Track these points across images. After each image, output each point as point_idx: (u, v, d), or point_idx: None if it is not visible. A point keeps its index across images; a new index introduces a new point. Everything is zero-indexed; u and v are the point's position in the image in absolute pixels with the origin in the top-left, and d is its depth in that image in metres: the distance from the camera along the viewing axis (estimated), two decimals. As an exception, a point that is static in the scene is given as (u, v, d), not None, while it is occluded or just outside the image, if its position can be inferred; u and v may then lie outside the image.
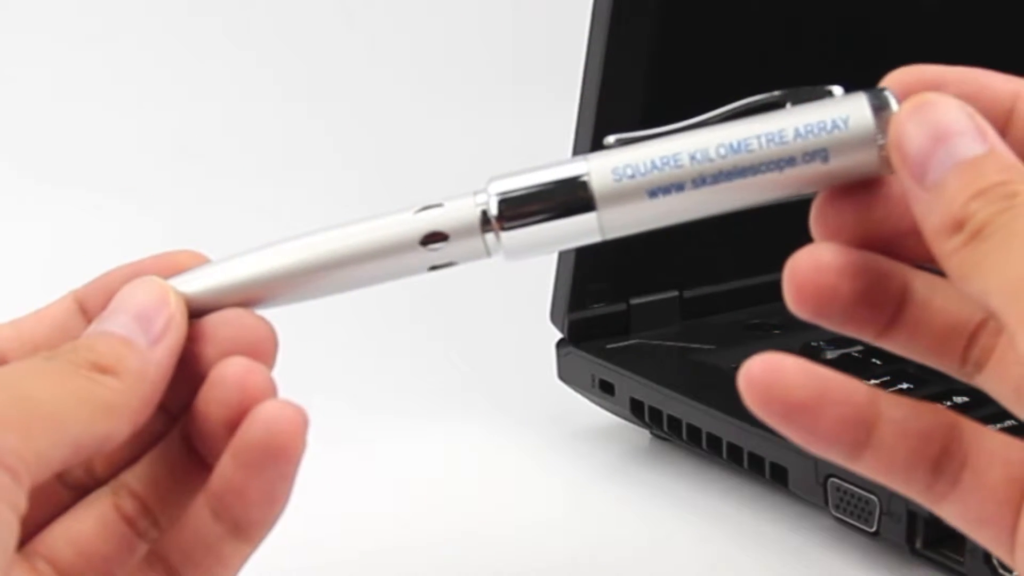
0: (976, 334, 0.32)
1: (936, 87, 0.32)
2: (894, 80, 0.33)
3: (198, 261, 0.36)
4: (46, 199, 0.92)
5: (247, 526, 0.34)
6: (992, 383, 0.32)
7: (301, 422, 0.33)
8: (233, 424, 0.33)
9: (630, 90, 0.58)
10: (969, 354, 0.32)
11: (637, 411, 0.58)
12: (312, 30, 1.09)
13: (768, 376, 0.31)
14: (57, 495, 0.35)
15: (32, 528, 0.34)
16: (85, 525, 0.34)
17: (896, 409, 0.32)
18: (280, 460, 0.33)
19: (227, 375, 0.33)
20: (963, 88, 0.32)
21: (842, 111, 0.32)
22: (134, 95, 1.03)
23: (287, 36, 1.08)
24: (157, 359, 0.33)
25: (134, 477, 0.35)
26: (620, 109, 0.58)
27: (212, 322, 0.35)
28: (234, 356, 0.34)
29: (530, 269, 0.57)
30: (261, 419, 0.33)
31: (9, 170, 0.96)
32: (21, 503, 0.30)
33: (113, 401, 0.32)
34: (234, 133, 1.01)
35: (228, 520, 0.34)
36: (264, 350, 0.35)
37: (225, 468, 0.33)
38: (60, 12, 1.05)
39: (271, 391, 0.34)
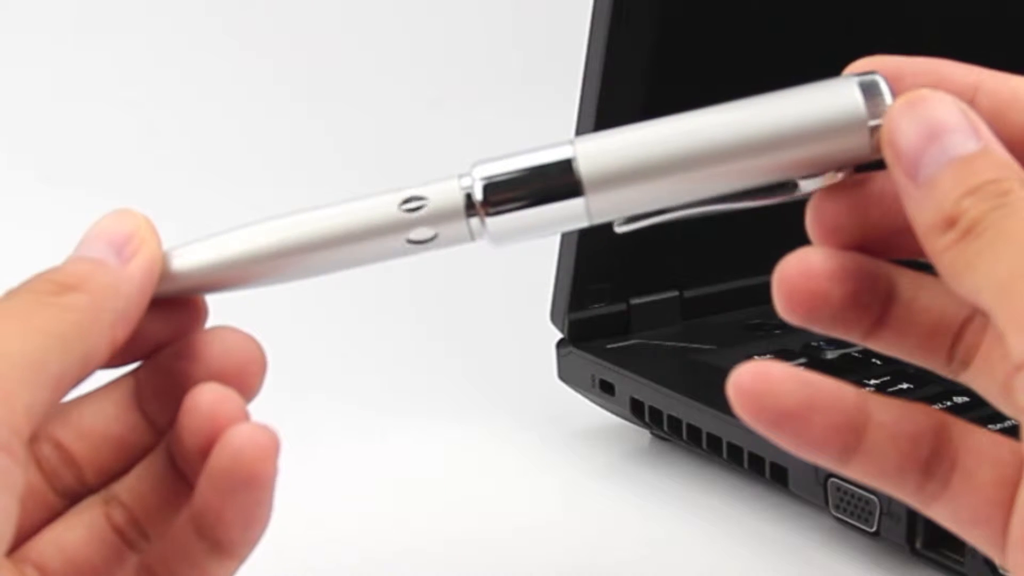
0: (961, 332, 0.32)
1: (895, 77, 0.32)
2: (852, 71, 0.33)
3: None
4: (46, 199, 0.92)
5: (228, 545, 0.33)
6: (978, 380, 0.32)
7: (271, 447, 0.33)
8: (206, 451, 0.33)
9: (630, 90, 0.58)
10: (955, 352, 0.32)
11: (637, 411, 0.58)
12: (313, 30, 1.09)
13: (757, 385, 0.31)
14: (47, 501, 0.34)
15: (22, 534, 0.33)
16: (75, 533, 0.34)
17: (885, 412, 0.32)
18: (251, 486, 0.32)
19: (199, 403, 0.33)
20: (922, 80, 0.32)
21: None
22: (134, 95, 1.03)
23: (288, 36, 1.08)
24: (129, 274, 0.33)
25: (123, 488, 0.35)
26: (620, 109, 0.58)
27: (200, 340, 0.35)
28: (208, 383, 0.33)
29: (530, 269, 0.57)
30: (230, 446, 0.32)
31: (9, 170, 0.96)
32: (18, 482, 0.30)
33: (81, 319, 0.32)
34: (235, 133, 1.01)
35: (210, 538, 0.33)
36: (250, 371, 0.35)
37: (202, 491, 0.33)
38: (60, 12, 1.05)
39: (242, 419, 0.33)
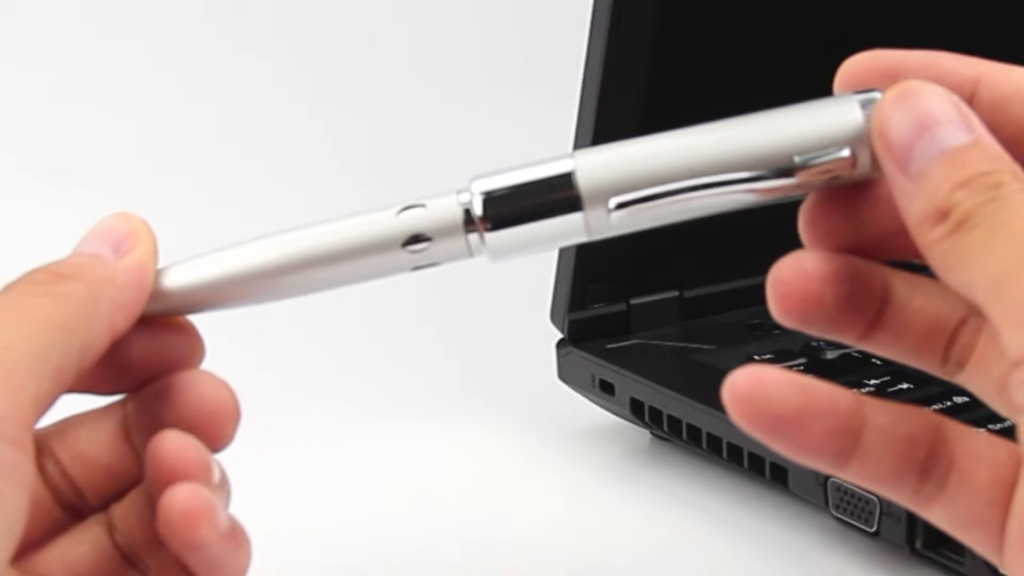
0: (956, 333, 0.32)
1: (895, 72, 0.32)
2: (854, 64, 0.33)
3: None
4: (46, 199, 0.92)
5: None
6: (974, 381, 0.32)
7: (202, 513, 0.32)
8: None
9: (630, 90, 0.58)
10: (950, 353, 0.32)
11: (637, 411, 0.58)
12: (313, 30, 1.09)
13: (753, 390, 0.31)
14: (52, 515, 0.35)
15: (28, 543, 0.34)
16: (81, 549, 0.34)
17: (881, 415, 0.32)
18: (190, 549, 0.32)
19: (157, 452, 0.33)
20: (924, 74, 0.32)
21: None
22: (135, 95, 1.03)
23: (288, 36, 1.08)
24: (125, 266, 0.33)
25: (118, 514, 0.35)
26: (620, 109, 0.58)
27: (176, 383, 0.34)
28: (169, 432, 0.33)
29: (530, 269, 0.57)
30: (163, 511, 0.32)
31: (10, 170, 0.96)
32: (28, 476, 0.30)
33: (79, 308, 0.32)
34: (234, 133, 1.01)
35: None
36: (220, 421, 0.34)
37: None
38: (60, 12, 1.05)
39: (201, 468, 0.33)
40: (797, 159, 0.32)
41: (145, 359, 0.34)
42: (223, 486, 0.34)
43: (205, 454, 0.33)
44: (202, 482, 0.33)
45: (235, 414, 0.35)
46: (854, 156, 0.32)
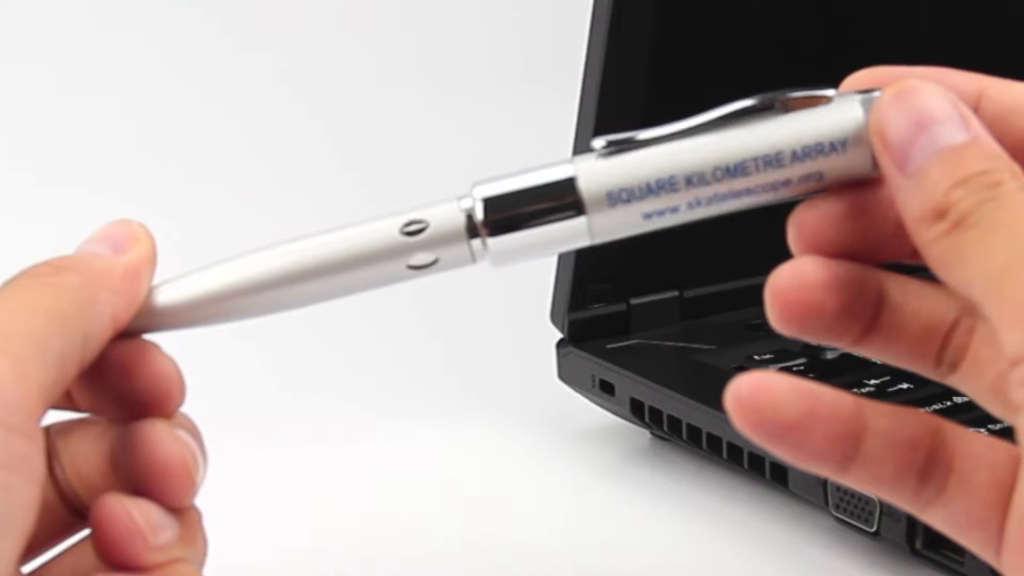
0: (950, 335, 0.32)
1: None
2: (855, 82, 0.33)
3: None
4: (46, 199, 0.92)
5: None
6: (967, 382, 0.32)
7: None
8: (105, 560, 0.33)
9: (630, 90, 0.58)
10: (943, 355, 0.32)
11: (637, 411, 0.58)
12: (314, 30, 1.09)
13: (757, 397, 0.31)
14: (62, 518, 0.35)
15: (36, 543, 0.34)
16: (89, 562, 0.34)
17: (882, 419, 0.32)
18: None
19: (94, 521, 0.33)
20: None
21: (835, 115, 0.32)
22: (135, 95, 1.03)
23: (288, 36, 1.08)
24: (123, 261, 0.34)
25: None
26: (620, 109, 0.58)
27: (131, 435, 0.34)
28: (110, 497, 0.33)
29: (530, 269, 0.57)
30: None
31: (9, 170, 0.96)
32: (39, 468, 0.30)
33: (78, 297, 0.32)
34: (235, 133, 1.01)
35: None
36: (167, 483, 0.34)
37: None
38: (60, 12, 1.05)
39: (135, 538, 0.33)
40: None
41: (119, 394, 0.34)
42: (191, 541, 0.34)
43: (140, 523, 0.33)
44: (138, 550, 0.33)
45: (185, 477, 0.34)
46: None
